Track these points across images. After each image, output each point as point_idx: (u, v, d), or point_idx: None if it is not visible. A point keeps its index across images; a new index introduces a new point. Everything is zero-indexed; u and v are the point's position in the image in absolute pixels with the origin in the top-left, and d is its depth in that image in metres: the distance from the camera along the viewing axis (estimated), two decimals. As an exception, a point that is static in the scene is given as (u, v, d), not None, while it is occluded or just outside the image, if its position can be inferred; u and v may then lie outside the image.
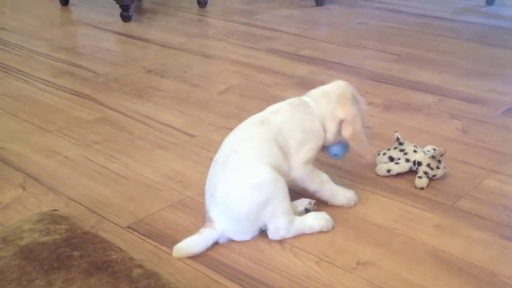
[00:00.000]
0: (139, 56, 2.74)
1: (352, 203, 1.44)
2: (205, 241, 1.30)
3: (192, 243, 1.29)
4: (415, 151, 1.60)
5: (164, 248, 1.32)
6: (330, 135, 1.40)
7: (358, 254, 1.28)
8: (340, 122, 1.39)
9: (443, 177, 1.57)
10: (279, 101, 1.44)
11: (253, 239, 1.33)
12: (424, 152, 1.60)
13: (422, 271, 1.22)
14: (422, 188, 1.53)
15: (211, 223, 1.31)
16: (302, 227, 1.34)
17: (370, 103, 2.12)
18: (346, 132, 1.39)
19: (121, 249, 1.16)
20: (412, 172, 1.58)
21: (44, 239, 1.12)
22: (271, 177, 1.29)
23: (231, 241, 1.33)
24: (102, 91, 2.28)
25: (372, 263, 1.25)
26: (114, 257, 1.11)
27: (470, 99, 2.14)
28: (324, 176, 1.42)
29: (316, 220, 1.35)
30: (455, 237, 1.33)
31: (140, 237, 1.36)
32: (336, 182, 1.45)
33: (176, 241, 1.32)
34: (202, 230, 1.31)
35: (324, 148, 1.45)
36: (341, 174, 1.60)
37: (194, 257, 1.28)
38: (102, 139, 1.86)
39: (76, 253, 1.10)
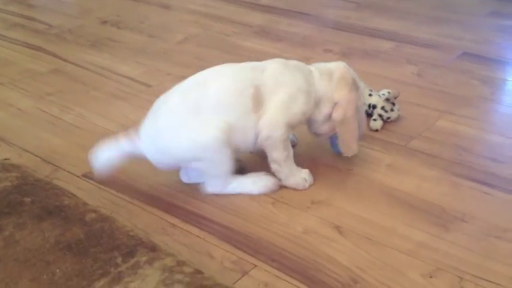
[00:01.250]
0: (95, 7, 2.66)
1: (307, 185, 1.32)
2: (119, 149, 1.29)
3: (106, 151, 1.29)
4: (370, 95, 1.61)
5: (120, 195, 1.31)
6: (319, 116, 1.32)
7: (313, 194, 1.30)
8: (334, 106, 1.31)
9: (397, 119, 1.60)
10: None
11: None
12: (378, 95, 1.62)
13: (375, 208, 1.25)
14: (377, 130, 1.55)
15: (135, 137, 1.28)
16: (239, 190, 1.30)
17: (329, 51, 2.12)
18: (336, 115, 1.30)
19: (74, 195, 1.15)
20: (367, 115, 1.60)
21: (-7, 186, 1.10)
22: (216, 144, 1.21)
23: (187, 185, 1.33)
24: (56, 43, 2.22)
25: (326, 202, 1.28)
26: (66, 202, 1.10)
27: (426, 44, 2.16)
28: (291, 152, 1.31)
29: (255, 184, 1.31)
30: (407, 176, 1.36)
31: (96, 185, 1.35)
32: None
33: (132, 188, 1.32)
34: (120, 138, 1.30)
35: (322, 138, 1.42)
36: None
37: (150, 202, 1.28)
38: (56, 90, 1.82)
39: (27, 199, 1.08)
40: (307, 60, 1.42)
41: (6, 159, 1.28)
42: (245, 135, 1.25)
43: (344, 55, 2.07)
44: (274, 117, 1.25)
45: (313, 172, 1.37)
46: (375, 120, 1.56)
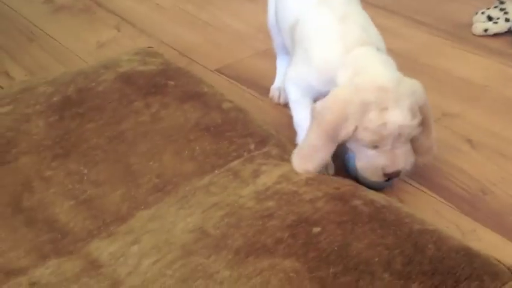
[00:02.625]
0: None
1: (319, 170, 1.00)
2: None
3: None
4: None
5: (250, 91, 1.36)
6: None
7: (444, 106, 1.27)
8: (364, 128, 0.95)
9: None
10: None
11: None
12: (524, 8, 1.50)
13: (509, 124, 1.20)
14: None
15: None
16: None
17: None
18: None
19: (212, 85, 1.21)
20: (511, 32, 1.50)
21: (141, 68, 1.19)
22: None
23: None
24: None
25: (458, 115, 1.24)
26: (205, 90, 1.17)
27: None
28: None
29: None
30: (550, 97, 1.29)
31: (228, 80, 1.41)
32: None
33: (261, 86, 1.36)
34: None
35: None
36: (434, 33, 1.55)
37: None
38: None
39: (171, 82, 1.16)
40: None
41: (150, 47, 1.37)
42: None
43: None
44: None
45: (445, 85, 1.32)
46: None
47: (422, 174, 1.08)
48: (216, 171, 0.98)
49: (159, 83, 1.14)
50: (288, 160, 0.99)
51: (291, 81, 1.09)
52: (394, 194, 1.03)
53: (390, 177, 0.99)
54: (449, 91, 1.32)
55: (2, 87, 1.37)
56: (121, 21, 1.68)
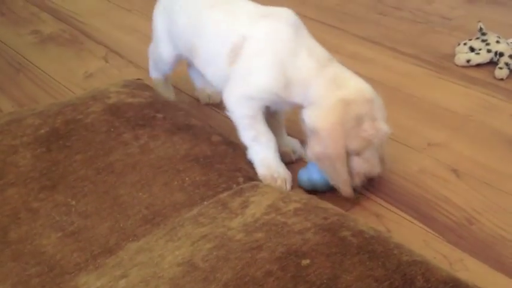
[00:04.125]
0: None
1: (277, 183, 1.09)
2: None
3: None
4: (497, 42, 1.54)
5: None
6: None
7: (430, 136, 1.29)
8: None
9: (525, 69, 1.52)
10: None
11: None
12: (507, 43, 1.54)
13: (493, 154, 1.22)
14: (502, 79, 1.49)
15: None
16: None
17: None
18: (309, 151, 1.06)
19: (200, 118, 1.22)
20: (492, 63, 1.54)
21: (130, 100, 1.19)
22: None
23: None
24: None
25: (443, 145, 1.26)
26: (194, 122, 1.17)
27: None
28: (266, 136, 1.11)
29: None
30: (532, 127, 1.31)
31: (215, 110, 1.42)
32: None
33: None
34: None
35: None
36: (418, 63, 1.59)
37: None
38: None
39: (159, 115, 1.16)
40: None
41: (139, 79, 1.37)
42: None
43: (469, 0, 1.98)
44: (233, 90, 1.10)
45: (431, 115, 1.35)
46: (501, 68, 1.50)
47: (408, 204, 1.09)
48: (205, 202, 0.98)
49: (147, 115, 1.15)
50: (276, 188, 1.01)
51: (244, 97, 1.08)
52: (382, 224, 1.04)
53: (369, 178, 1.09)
54: (433, 121, 1.34)
55: (-12, 118, 1.36)
56: (109, 52, 1.70)
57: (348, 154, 1.04)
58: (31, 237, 0.92)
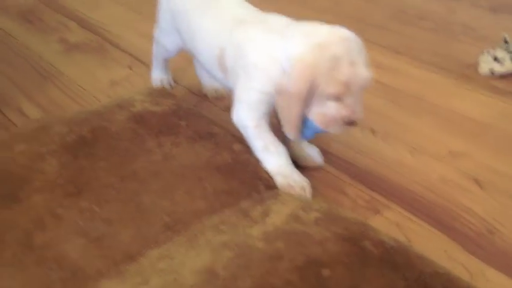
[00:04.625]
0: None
1: (296, 191, 1.08)
2: None
3: None
4: (518, 45, 1.53)
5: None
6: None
7: (451, 144, 1.29)
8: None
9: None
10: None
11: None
12: (530, 50, 1.53)
13: (516, 165, 1.21)
14: (525, 87, 1.48)
15: None
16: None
17: (477, 5, 2.02)
18: (317, 115, 1.03)
19: (222, 126, 1.24)
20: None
21: (154, 108, 1.21)
22: None
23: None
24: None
25: (463, 154, 1.26)
26: (216, 130, 1.19)
27: None
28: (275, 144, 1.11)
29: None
30: (556, 137, 1.30)
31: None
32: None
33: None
34: None
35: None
36: (441, 72, 1.58)
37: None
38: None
39: (183, 123, 1.18)
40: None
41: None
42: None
43: (493, 10, 1.96)
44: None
45: (451, 123, 1.34)
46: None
47: (429, 214, 1.09)
48: (226, 210, 0.99)
49: (171, 122, 1.17)
50: (296, 196, 1.02)
51: (247, 107, 1.09)
52: (402, 234, 1.04)
53: (350, 125, 1.03)
54: (454, 130, 1.33)
55: (15, 125, 1.40)
56: (133, 60, 1.72)
57: (325, 98, 1.00)
58: (55, 243, 0.94)
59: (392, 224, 1.07)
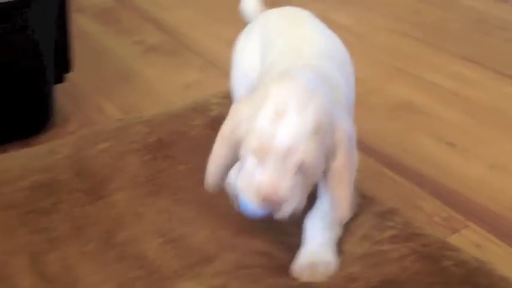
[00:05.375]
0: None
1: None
2: None
3: None
4: None
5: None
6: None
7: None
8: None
9: None
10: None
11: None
12: None
13: None
14: None
15: None
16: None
17: None
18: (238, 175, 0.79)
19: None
20: None
21: (230, 113, 1.22)
22: None
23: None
24: None
25: (548, 174, 1.21)
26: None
27: None
28: None
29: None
30: None
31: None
32: None
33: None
34: None
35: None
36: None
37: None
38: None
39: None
40: None
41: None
42: None
43: None
44: None
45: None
46: None
47: (507, 232, 1.05)
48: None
49: (247, 128, 1.17)
50: (370, 210, 1.00)
51: None
52: (482, 255, 1.01)
53: (268, 203, 0.73)
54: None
55: (96, 123, 1.45)
56: (206, 62, 1.75)
57: (249, 151, 0.75)
58: (134, 241, 0.97)
59: (471, 245, 1.04)
